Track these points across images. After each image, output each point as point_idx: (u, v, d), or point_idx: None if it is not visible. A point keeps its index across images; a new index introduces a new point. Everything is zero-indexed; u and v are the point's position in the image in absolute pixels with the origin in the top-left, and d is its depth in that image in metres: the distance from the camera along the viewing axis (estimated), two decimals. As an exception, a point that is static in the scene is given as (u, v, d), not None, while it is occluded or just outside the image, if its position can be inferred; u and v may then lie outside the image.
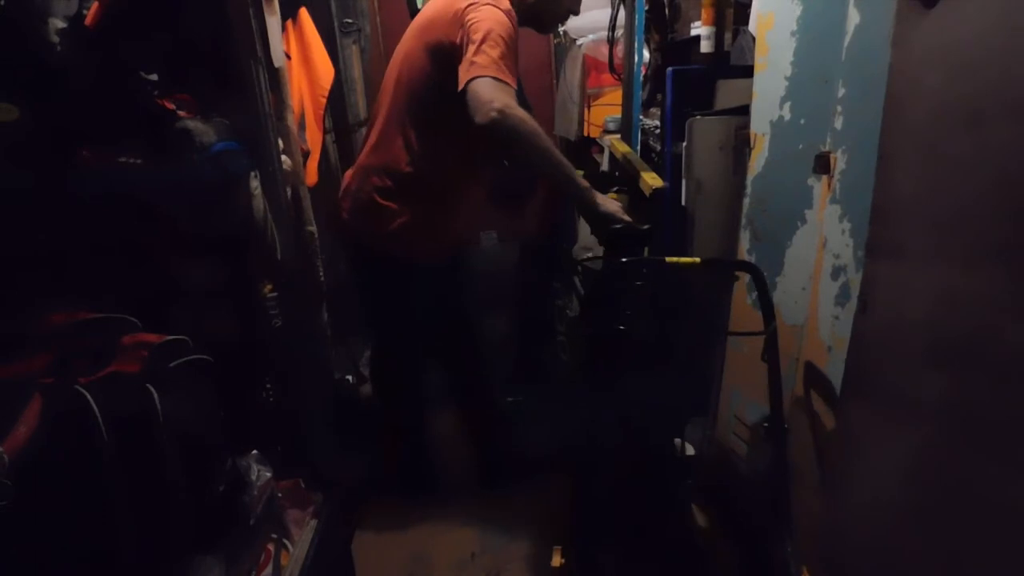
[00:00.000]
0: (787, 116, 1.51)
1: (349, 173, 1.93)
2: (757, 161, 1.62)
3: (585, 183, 1.66)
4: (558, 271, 2.28)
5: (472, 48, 1.58)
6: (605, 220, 1.63)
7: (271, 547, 1.41)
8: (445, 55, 1.68)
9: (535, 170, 1.69)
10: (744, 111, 1.66)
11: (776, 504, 1.39)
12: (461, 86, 1.57)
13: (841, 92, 1.32)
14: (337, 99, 2.75)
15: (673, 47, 2.10)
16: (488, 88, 1.53)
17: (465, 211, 1.93)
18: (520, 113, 1.55)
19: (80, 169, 1.28)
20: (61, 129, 1.27)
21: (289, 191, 1.55)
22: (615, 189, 1.91)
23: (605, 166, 2.42)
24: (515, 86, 1.61)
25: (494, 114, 1.51)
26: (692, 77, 1.86)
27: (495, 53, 1.58)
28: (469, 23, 1.62)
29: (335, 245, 2.03)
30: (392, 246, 1.83)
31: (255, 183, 1.41)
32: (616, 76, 2.44)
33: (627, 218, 1.62)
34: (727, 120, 1.74)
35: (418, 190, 1.80)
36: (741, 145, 1.70)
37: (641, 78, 2.14)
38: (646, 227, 1.60)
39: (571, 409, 2.12)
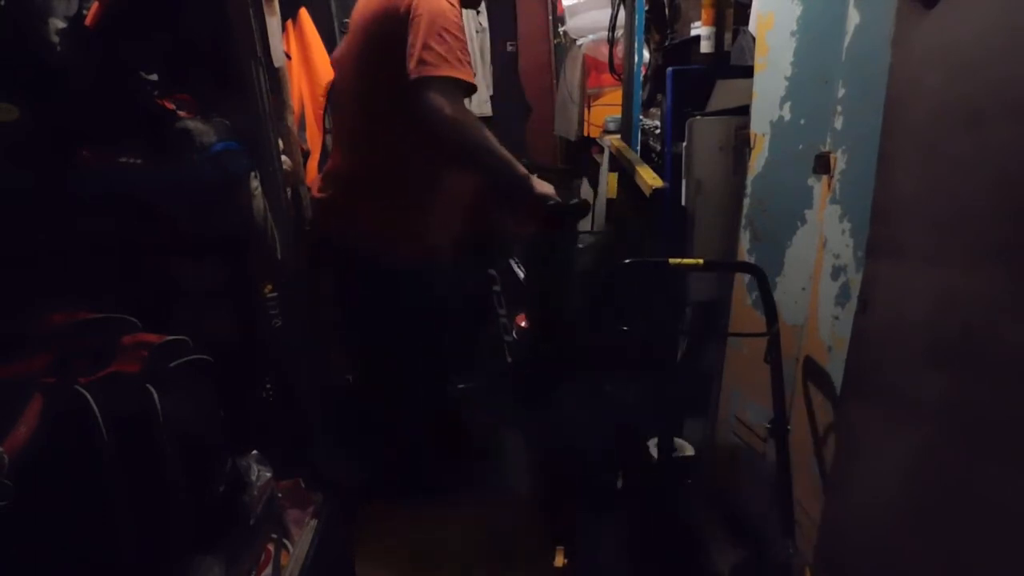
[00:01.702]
0: (787, 116, 1.51)
1: (316, 182, 1.89)
2: (757, 161, 1.62)
3: (524, 171, 1.73)
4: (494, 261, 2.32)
5: (419, 43, 1.56)
6: (541, 200, 1.74)
7: (271, 547, 1.41)
8: (397, 47, 1.62)
9: (480, 166, 1.72)
10: (744, 111, 1.66)
11: (777, 504, 1.39)
12: (415, 76, 1.55)
13: (841, 92, 1.32)
14: (337, 99, 2.74)
15: (673, 47, 2.10)
16: (437, 92, 1.55)
17: (451, 211, 1.87)
18: (466, 117, 1.61)
19: (80, 169, 1.28)
20: (61, 129, 1.27)
21: (289, 191, 1.55)
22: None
23: (605, 166, 2.42)
24: (468, 76, 1.61)
25: (444, 121, 1.55)
26: (692, 77, 1.86)
27: (442, 48, 1.56)
28: (414, 11, 1.59)
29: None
30: (379, 249, 1.78)
31: (255, 183, 1.41)
32: (616, 76, 2.44)
33: (557, 197, 1.76)
34: (727, 120, 1.74)
35: (394, 188, 1.77)
36: (741, 145, 1.70)
37: (641, 78, 2.14)
38: (574, 201, 1.78)
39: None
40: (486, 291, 2.15)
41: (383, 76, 1.67)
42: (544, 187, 1.75)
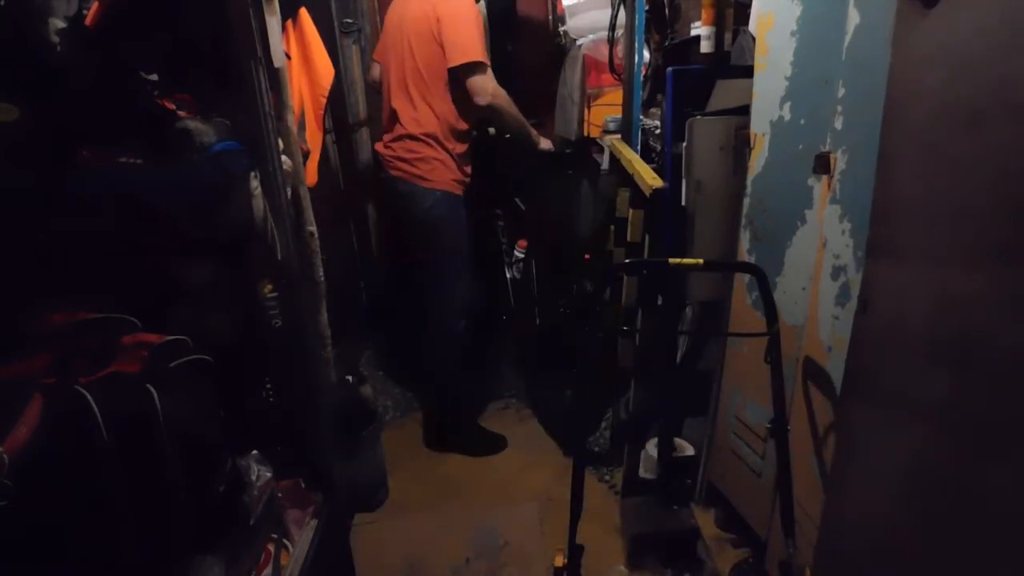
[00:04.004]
0: (787, 116, 1.51)
1: (385, 147, 2.51)
2: (757, 161, 1.62)
3: (535, 132, 2.66)
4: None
5: (455, 32, 2.25)
6: (543, 148, 2.71)
7: (271, 547, 1.41)
8: (436, 42, 2.30)
9: (511, 131, 2.60)
10: (744, 111, 1.66)
11: (778, 504, 1.39)
12: (454, 64, 2.26)
13: (841, 92, 1.32)
14: (337, 99, 2.74)
15: (673, 47, 2.10)
16: (483, 77, 2.28)
17: (470, 157, 2.56)
18: (504, 95, 2.37)
19: (80, 169, 1.28)
20: (61, 129, 1.27)
21: (289, 191, 1.55)
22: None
23: (605, 166, 2.43)
24: (484, 59, 2.31)
25: (490, 98, 2.30)
26: (692, 77, 1.85)
27: (477, 35, 2.27)
28: (439, 14, 2.26)
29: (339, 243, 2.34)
30: (430, 180, 2.44)
31: (255, 183, 1.40)
32: (616, 76, 2.44)
33: (550, 146, 2.76)
34: (727, 120, 1.74)
35: (444, 139, 2.42)
36: (741, 145, 1.70)
37: (641, 78, 2.13)
38: (552, 150, 2.76)
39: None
40: (493, 225, 3.04)
41: (435, 63, 2.33)
42: (545, 141, 2.72)
